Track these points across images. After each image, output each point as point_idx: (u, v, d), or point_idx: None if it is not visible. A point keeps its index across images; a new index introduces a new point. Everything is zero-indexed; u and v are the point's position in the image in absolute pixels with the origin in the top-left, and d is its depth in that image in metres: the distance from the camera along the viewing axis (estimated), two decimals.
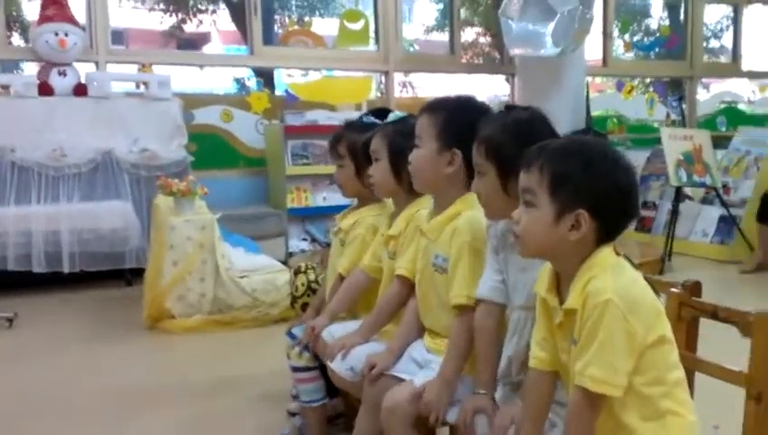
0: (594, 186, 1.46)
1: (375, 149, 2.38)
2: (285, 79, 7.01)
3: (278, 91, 7.17)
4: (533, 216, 1.50)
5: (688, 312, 1.78)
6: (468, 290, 1.95)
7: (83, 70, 5.74)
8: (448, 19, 7.89)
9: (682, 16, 9.13)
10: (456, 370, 1.95)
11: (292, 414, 2.89)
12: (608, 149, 1.53)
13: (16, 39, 7.93)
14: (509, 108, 1.88)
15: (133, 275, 5.33)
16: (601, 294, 1.40)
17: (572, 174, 1.47)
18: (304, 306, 2.90)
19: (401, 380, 2.03)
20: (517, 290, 1.82)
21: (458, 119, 2.06)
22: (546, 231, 1.48)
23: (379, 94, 7.41)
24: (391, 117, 2.51)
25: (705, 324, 1.79)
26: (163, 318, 4.29)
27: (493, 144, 1.79)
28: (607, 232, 1.49)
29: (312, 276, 2.96)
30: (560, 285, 1.55)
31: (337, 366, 2.24)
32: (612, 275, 1.43)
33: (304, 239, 6.24)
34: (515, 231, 1.56)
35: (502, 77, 8.37)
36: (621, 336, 1.38)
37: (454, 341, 1.98)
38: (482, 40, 9.67)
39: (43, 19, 5.59)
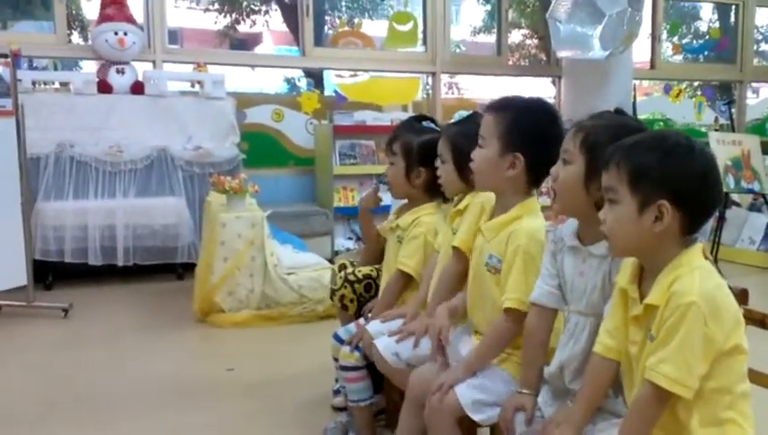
0: (672, 175, 1.47)
1: (440, 151, 2.42)
2: (334, 79, 7.09)
3: (327, 92, 7.25)
4: (617, 212, 1.52)
5: None
6: (519, 294, 1.96)
7: (141, 68, 5.88)
8: (496, 21, 7.90)
9: (732, 19, 9.01)
10: (480, 364, 2.00)
11: (337, 409, 2.95)
12: (682, 137, 1.53)
13: (75, 37, 8.12)
14: (619, 111, 1.86)
15: (184, 269, 5.45)
16: (686, 295, 1.41)
17: (649, 166, 1.48)
18: (342, 298, 2.96)
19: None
20: (575, 294, 1.82)
21: (524, 122, 2.04)
22: (631, 226, 1.50)
23: (425, 95, 7.46)
24: (456, 116, 2.54)
25: (752, 333, 1.78)
26: (213, 312, 4.39)
27: (592, 136, 1.75)
28: (690, 223, 1.49)
29: (349, 270, 3.02)
30: (642, 278, 1.56)
31: (383, 347, 2.28)
32: (699, 278, 1.44)
33: (350, 238, 6.31)
34: (603, 231, 1.58)
35: (548, 79, 8.35)
36: (700, 340, 1.39)
37: (490, 339, 2.02)
38: (528, 42, 9.66)
39: (103, 18, 5.74)
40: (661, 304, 1.44)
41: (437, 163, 2.45)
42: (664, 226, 1.47)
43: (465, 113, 2.51)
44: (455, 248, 2.28)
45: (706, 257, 1.51)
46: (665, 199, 1.46)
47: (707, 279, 1.45)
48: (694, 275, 1.44)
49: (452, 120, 2.54)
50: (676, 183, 1.47)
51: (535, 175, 2.07)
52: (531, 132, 2.03)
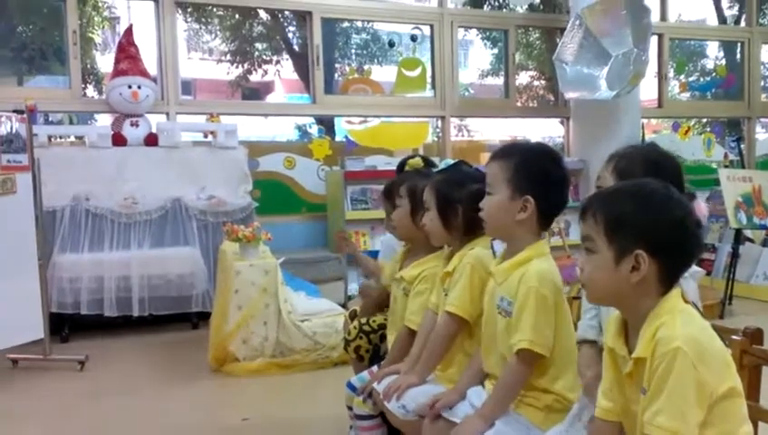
0: (648, 224, 1.46)
1: (425, 199, 2.46)
2: (344, 125, 7.17)
3: (338, 137, 7.33)
4: (595, 262, 1.52)
5: (750, 360, 1.77)
6: (532, 335, 1.96)
7: (154, 120, 5.97)
8: (503, 64, 7.99)
9: (738, 56, 9.07)
10: (498, 412, 1.98)
11: None
12: (659, 187, 1.52)
13: (90, 91, 8.26)
14: (652, 145, 1.97)
15: (199, 319, 5.47)
16: (671, 341, 1.38)
17: (625, 216, 1.48)
18: (357, 349, 2.97)
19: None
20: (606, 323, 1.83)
21: (530, 165, 2.06)
22: (608, 276, 1.49)
23: (435, 139, 7.52)
24: (442, 165, 2.59)
25: (767, 373, 1.80)
26: (228, 361, 4.39)
27: (624, 162, 1.87)
28: (669, 272, 1.48)
29: (363, 320, 3.02)
30: (627, 333, 1.54)
31: (391, 405, 2.29)
32: (681, 323, 1.42)
33: None
34: (580, 279, 1.58)
35: (556, 120, 8.40)
36: (691, 385, 1.36)
37: (504, 384, 2.01)
38: (536, 83, 9.74)
39: (117, 73, 5.85)
40: (648, 356, 1.42)
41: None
42: (641, 276, 1.46)
43: (450, 161, 2.55)
44: (448, 313, 2.30)
45: (686, 301, 1.49)
46: (641, 249, 1.45)
47: (690, 323, 1.43)
48: (676, 321, 1.43)
49: (438, 168, 2.58)
50: (652, 233, 1.46)
51: (545, 217, 2.09)
52: (538, 174, 2.05)
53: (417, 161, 2.96)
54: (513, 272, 2.06)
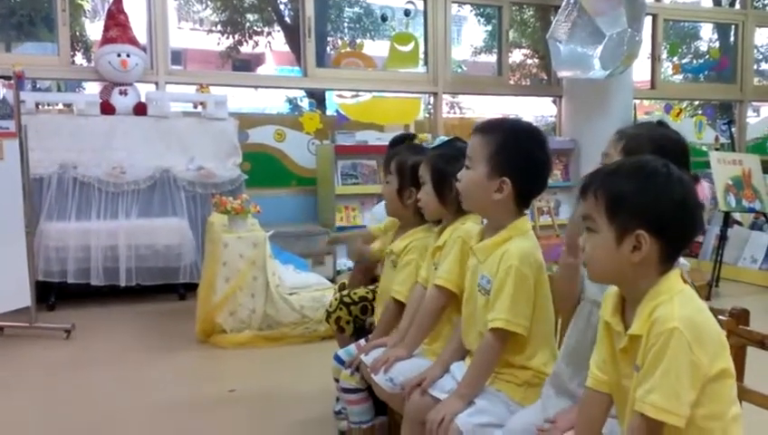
0: (649, 204, 1.45)
1: (421, 174, 2.46)
2: (336, 99, 7.13)
3: (329, 111, 7.29)
4: (596, 241, 1.51)
5: (736, 340, 1.77)
6: (508, 315, 1.96)
7: (143, 89, 5.92)
8: (497, 41, 7.95)
9: (732, 39, 9.06)
10: (475, 390, 1.99)
11: (342, 433, 2.93)
12: (660, 164, 1.51)
13: (79, 59, 8.18)
14: (661, 124, 1.95)
15: (186, 290, 5.46)
16: (668, 321, 1.38)
17: (626, 195, 1.47)
18: (338, 320, 2.97)
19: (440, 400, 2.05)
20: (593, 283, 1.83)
21: (511, 145, 2.03)
22: (609, 255, 1.49)
23: (427, 115, 7.49)
24: (437, 141, 2.58)
25: (752, 353, 1.79)
26: (214, 332, 4.39)
27: (633, 142, 1.85)
28: (669, 251, 1.48)
29: (345, 292, 3.04)
30: (624, 309, 1.55)
31: (378, 378, 2.29)
32: (679, 303, 1.42)
33: None
34: (582, 258, 1.58)
35: (549, 99, 8.38)
36: (686, 366, 1.36)
37: (479, 363, 2.01)
38: (529, 61, 9.71)
39: (106, 40, 5.78)
40: (644, 333, 1.42)
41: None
42: (642, 255, 1.46)
43: (445, 138, 2.56)
44: (437, 286, 2.30)
45: (686, 281, 1.50)
46: (642, 229, 1.45)
47: (687, 304, 1.43)
48: (674, 301, 1.43)
49: (433, 145, 2.58)
50: (653, 212, 1.46)
51: (522, 199, 2.08)
52: (519, 157, 2.02)
53: (425, 137, 2.96)
54: (495, 251, 2.06)
